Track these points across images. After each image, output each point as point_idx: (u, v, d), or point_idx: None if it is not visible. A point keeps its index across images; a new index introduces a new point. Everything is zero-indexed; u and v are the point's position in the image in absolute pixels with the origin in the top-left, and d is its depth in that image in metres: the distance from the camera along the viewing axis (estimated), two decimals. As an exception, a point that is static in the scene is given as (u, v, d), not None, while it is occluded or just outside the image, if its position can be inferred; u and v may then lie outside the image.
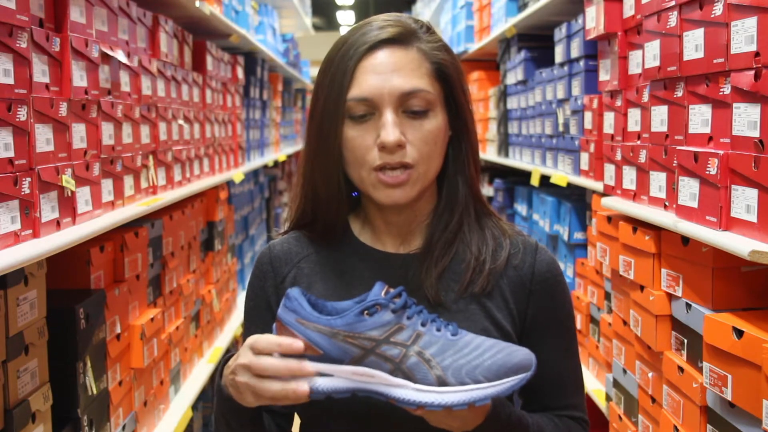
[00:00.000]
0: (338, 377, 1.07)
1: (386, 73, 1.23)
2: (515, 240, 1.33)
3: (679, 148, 1.68)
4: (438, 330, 1.09)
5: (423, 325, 1.09)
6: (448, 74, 1.28)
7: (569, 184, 2.80)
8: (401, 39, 1.26)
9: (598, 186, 2.39)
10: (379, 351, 1.06)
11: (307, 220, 1.35)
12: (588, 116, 2.61)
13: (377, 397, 1.08)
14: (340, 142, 1.24)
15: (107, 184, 1.96)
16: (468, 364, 1.05)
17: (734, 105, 1.45)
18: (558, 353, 1.31)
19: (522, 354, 1.07)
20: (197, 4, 2.94)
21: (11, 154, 1.47)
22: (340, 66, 1.24)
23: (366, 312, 1.07)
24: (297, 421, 1.36)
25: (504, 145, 4.16)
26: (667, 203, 1.79)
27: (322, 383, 1.07)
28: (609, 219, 2.22)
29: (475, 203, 1.34)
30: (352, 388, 1.08)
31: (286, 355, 1.08)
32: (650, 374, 1.91)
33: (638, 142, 2.00)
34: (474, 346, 1.07)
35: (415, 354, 1.06)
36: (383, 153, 1.22)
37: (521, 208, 3.81)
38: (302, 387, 1.06)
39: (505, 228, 1.35)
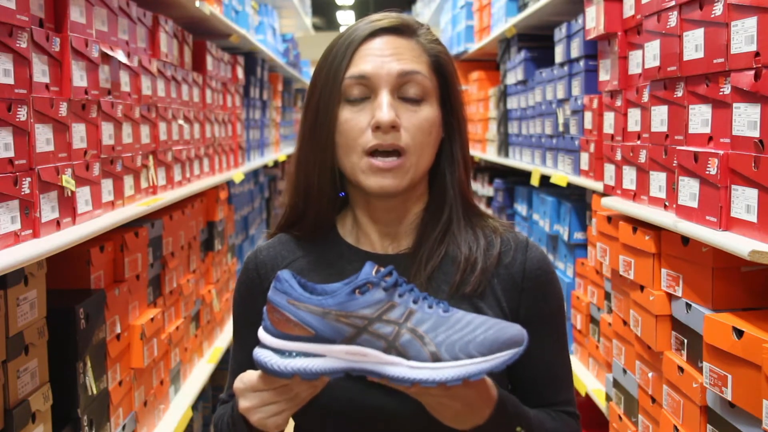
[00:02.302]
0: (331, 357, 1.06)
1: (385, 55, 1.23)
2: (506, 237, 1.32)
3: (679, 148, 1.68)
4: (430, 307, 1.08)
5: (415, 302, 1.08)
6: (445, 69, 1.29)
7: (569, 184, 2.80)
8: (401, 29, 1.27)
9: (598, 186, 2.39)
10: (372, 329, 1.06)
11: (298, 213, 1.33)
12: (588, 116, 2.61)
13: (371, 375, 1.07)
14: (334, 125, 1.23)
15: (107, 184, 1.96)
16: (461, 339, 1.05)
17: (734, 105, 1.45)
18: (551, 349, 1.32)
19: (514, 329, 1.07)
20: (197, 4, 2.94)
21: (11, 154, 1.47)
22: (339, 52, 1.25)
23: (357, 291, 1.06)
24: (291, 423, 1.36)
25: (504, 145, 4.16)
26: (667, 203, 1.79)
27: (315, 364, 1.06)
28: (609, 219, 2.22)
29: (464, 204, 1.33)
30: (346, 368, 1.07)
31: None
32: (650, 374, 1.91)
33: (638, 142, 2.00)
34: (466, 322, 1.07)
35: (408, 331, 1.06)
36: (377, 134, 1.21)
37: (521, 208, 3.81)
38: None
39: (495, 225, 1.34)
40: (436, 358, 1.05)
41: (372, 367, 1.06)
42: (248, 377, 1.14)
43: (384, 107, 1.20)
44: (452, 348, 1.05)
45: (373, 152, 1.22)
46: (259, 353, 1.09)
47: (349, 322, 1.06)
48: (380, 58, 1.23)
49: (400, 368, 1.05)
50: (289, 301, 1.08)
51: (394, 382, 1.06)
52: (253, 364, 1.12)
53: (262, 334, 1.10)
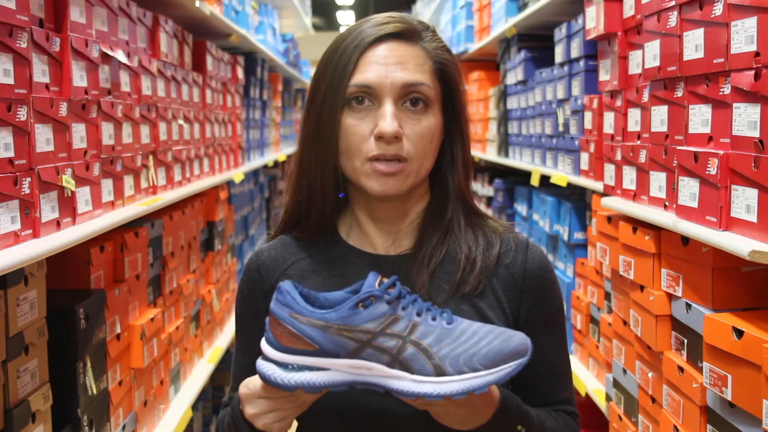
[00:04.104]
0: (334, 371, 1.07)
1: (390, 64, 1.23)
2: (506, 237, 1.33)
3: (679, 148, 1.68)
4: (433, 319, 1.08)
5: (418, 314, 1.08)
6: (449, 75, 1.29)
7: (569, 184, 2.80)
8: (406, 35, 1.27)
9: (598, 186, 2.39)
10: (376, 343, 1.05)
11: (301, 214, 1.34)
12: (588, 116, 2.61)
13: (375, 389, 1.07)
14: (338, 129, 1.24)
15: (107, 184, 1.96)
16: (465, 352, 1.05)
17: (734, 105, 1.45)
18: (551, 349, 1.32)
19: (518, 339, 1.07)
20: (197, 4, 2.94)
21: (11, 154, 1.47)
22: (343, 56, 1.25)
23: (361, 304, 1.06)
24: (294, 423, 1.36)
25: (504, 145, 4.16)
26: (667, 203, 1.79)
27: (319, 378, 1.06)
28: (609, 219, 2.22)
29: (464, 205, 1.34)
30: (349, 381, 1.07)
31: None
32: (650, 374, 1.91)
33: (638, 142, 2.00)
34: (470, 333, 1.07)
35: (412, 345, 1.06)
36: (380, 143, 1.22)
37: (521, 208, 3.81)
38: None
39: (495, 226, 1.35)
40: (440, 371, 1.04)
41: (376, 380, 1.06)
42: (253, 383, 1.15)
43: (387, 118, 1.21)
44: (456, 361, 1.05)
45: (375, 158, 1.23)
46: (262, 366, 1.09)
47: (352, 336, 1.05)
48: (385, 66, 1.23)
49: (404, 382, 1.05)
50: (292, 315, 1.07)
51: (398, 395, 1.06)
52: (255, 367, 1.12)
53: (264, 346, 1.10)
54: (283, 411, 1.14)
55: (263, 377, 1.08)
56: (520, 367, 1.06)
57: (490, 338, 1.06)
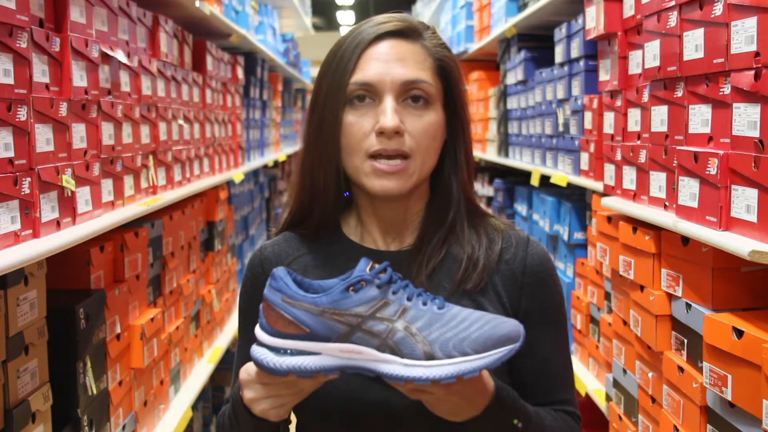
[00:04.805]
0: (325, 355, 1.07)
1: (390, 61, 1.24)
2: (507, 234, 1.34)
3: (679, 148, 1.68)
4: (424, 304, 1.09)
5: (409, 299, 1.08)
6: (450, 73, 1.30)
7: (569, 184, 2.80)
8: (407, 33, 1.28)
9: (598, 186, 2.39)
10: (366, 327, 1.06)
11: (305, 212, 1.35)
12: (588, 116, 2.61)
13: (366, 373, 1.07)
14: (339, 127, 1.24)
15: (107, 184, 1.96)
16: (455, 337, 1.05)
17: (734, 105, 1.45)
18: (551, 346, 1.32)
19: (509, 325, 1.07)
20: (197, 4, 2.94)
21: (11, 154, 1.47)
22: (344, 55, 1.26)
23: (351, 288, 1.07)
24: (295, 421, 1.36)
25: (504, 145, 4.16)
26: (667, 203, 1.79)
27: (310, 362, 1.07)
28: (609, 219, 2.22)
29: (467, 204, 1.34)
30: (340, 365, 1.07)
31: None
32: (650, 374, 1.91)
33: (638, 142, 2.00)
34: (461, 318, 1.07)
35: (402, 329, 1.06)
36: (381, 139, 1.22)
37: (521, 208, 3.81)
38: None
39: (497, 224, 1.36)
40: (429, 356, 1.05)
41: (366, 364, 1.07)
42: (252, 368, 1.16)
43: (388, 113, 1.21)
44: (446, 345, 1.05)
45: (377, 155, 1.23)
46: (255, 351, 1.10)
47: (343, 320, 1.06)
48: (385, 63, 1.24)
49: (393, 366, 1.05)
50: (284, 299, 1.08)
51: (388, 379, 1.07)
52: None
53: (258, 331, 1.11)
54: (279, 397, 1.14)
55: (256, 362, 1.10)
56: (512, 352, 1.05)
57: (480, 323, 1.06)
